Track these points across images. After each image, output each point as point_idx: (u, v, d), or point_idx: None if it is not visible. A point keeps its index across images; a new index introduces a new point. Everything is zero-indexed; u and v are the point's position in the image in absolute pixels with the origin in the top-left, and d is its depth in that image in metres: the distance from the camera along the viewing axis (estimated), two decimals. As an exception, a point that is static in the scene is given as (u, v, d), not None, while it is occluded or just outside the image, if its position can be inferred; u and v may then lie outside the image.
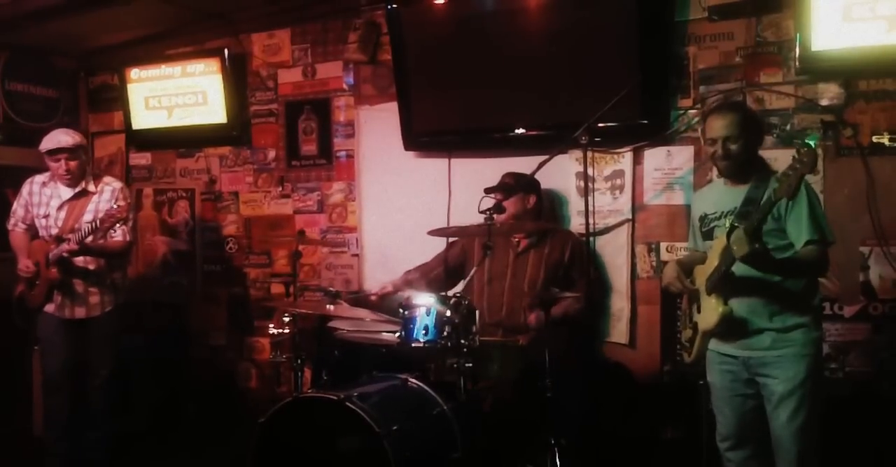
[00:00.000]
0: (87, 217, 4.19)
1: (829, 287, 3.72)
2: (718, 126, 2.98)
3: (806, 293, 2.95)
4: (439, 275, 4.24)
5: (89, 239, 4.07)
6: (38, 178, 4.40)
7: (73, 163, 4.23)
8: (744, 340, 2.95)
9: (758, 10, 3.94)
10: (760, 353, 2.92)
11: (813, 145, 2.48)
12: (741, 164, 2.99)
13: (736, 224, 2.83)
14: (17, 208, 4.43)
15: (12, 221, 4.44)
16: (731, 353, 3.01)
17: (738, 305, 2.90)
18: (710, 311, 2.93)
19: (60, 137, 4.22)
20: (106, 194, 4.31)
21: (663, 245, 4.21)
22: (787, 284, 2.90)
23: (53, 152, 4.21)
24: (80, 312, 4.29)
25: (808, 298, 2.97)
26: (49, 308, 4.27)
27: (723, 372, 3.06)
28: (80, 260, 4.22)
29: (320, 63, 5.17)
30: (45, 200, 4.34)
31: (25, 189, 4.41)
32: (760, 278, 2.87)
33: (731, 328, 2.91)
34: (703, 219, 3.14)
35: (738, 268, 2.83)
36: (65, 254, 4.11)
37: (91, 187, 4.32)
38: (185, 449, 4.72)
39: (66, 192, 4.31)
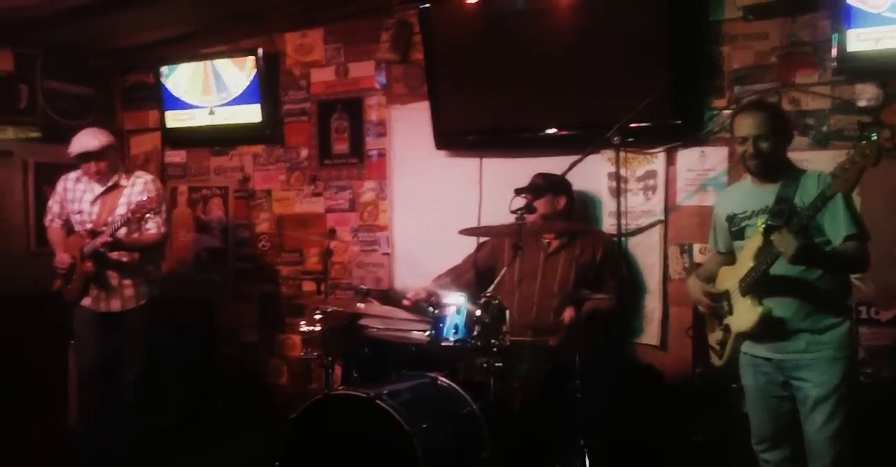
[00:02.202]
0: (121, 210, 4.25)
1: (865, 290, 3.66)
2: (748, 124, 2.95)
3: (839, 292, 2.93)
4: (471, 278, 4.23)
5: (122, 231, 4.14)
6: (72, 175, 4.48)
7: (101, 164, 4.30)
8: (778, 342, 2.91)
9: (793, 10, 3.89)
10: (795, 356, 2.88)
11: (875, 138, 2.43)
12: (771, 163, 2.96)
13: (771, 223, 2.80)
14: (53, 205, 4.51)
15: (48, 217, 4.53)
16: (764, 356, 2.98)
17: (773, 305, 2.87)
18: (746, 312, 2.90)
19: (86, 141, 4.27)
20: (138, 187, 4.36)
21: (696, 246, 4.16)
22: (820, 283, 2.86)
23: (81, 157, 4.28)
24: (114, 305, 4.35)
25: (842, 297, 2.94)
26: (85, 302, 4.34)
27: (757, 374, 3.03)
28: (114, 253, 4.28)
29: (352, 62, 5.19)
30: (79, 196, 4.41)
31: (60, 185, 4.49)
32: (796, 277, 2.84)
33: (768, 328, 2.88)
34: (731, 218, 3.10)
35: (774, 268, 2.80)
36: (99, 248, 4.17)
37: (123, 181, 4.38)
38: (214, 445, 4.75)
39: (99, 187, 4.38)
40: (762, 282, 2.85)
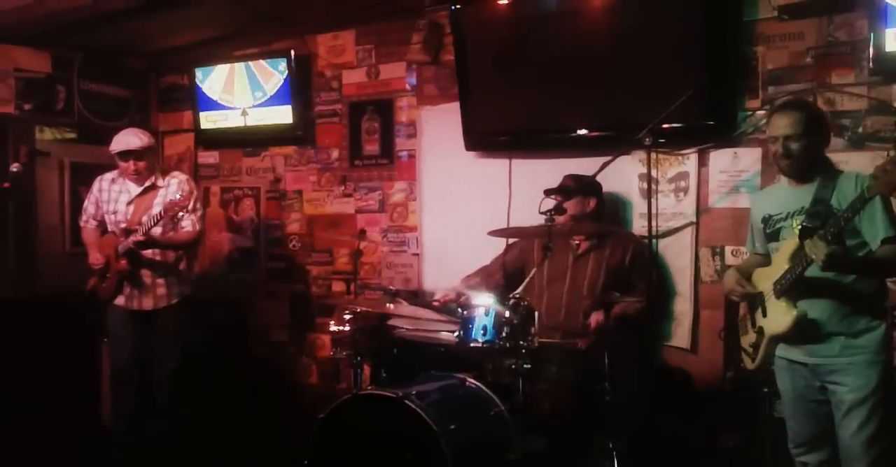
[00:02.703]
0: (155, 210, 4.28)
1: (902, 294, 3.60)
2: (781, 124, 2.91)
3: (876, 295, 2.88)
4: (499, 279, 4.22)
5: (157, 229, 4.18)
6: (108, 176, 4.53)
7: (140, 164, 4.34)
8: (812, 346, 2.87)
9: (829, 10, 3.84)
10: (829, 360, 2.84)
11: None
12: (803, 164, 2.92)
13: (807, 224, 2.76)
14: (88, 205, 4.56)
15: (84, 218, 4.59)
16: (799, 360, 2.94)
17: (808, 307, 2.83)
18: (780, 315, 2.86)
19: (129, 139, 4.33)
20: (172, 187, 4.41)
21: (728, 249, 4.12)
22: (857, 286, 2.82)
23: (122, 154, 4.33)
24: (147, 303, 4.40)
25: (879, 300, 2.89)
26: (119, 300, 4.40)
27: (795, 378, 2.98)
28: (147, 251, 4.32)
29: (383, 64, 5.21)
30: (114, 197, 4.46)
31: (95, 186, 4.54)
32: (832, 279, 2.79)
33: (803, 331, 2.83)
34: (766, 220, 3.06)
35: (809, 270, 2.76)
36: (133, 246, 4.22)
37: (160, 182, 4.43)
38: (244, 443, 4.77)
39: (135, 188, 4.43)
40: (797, 284, 2.81)
